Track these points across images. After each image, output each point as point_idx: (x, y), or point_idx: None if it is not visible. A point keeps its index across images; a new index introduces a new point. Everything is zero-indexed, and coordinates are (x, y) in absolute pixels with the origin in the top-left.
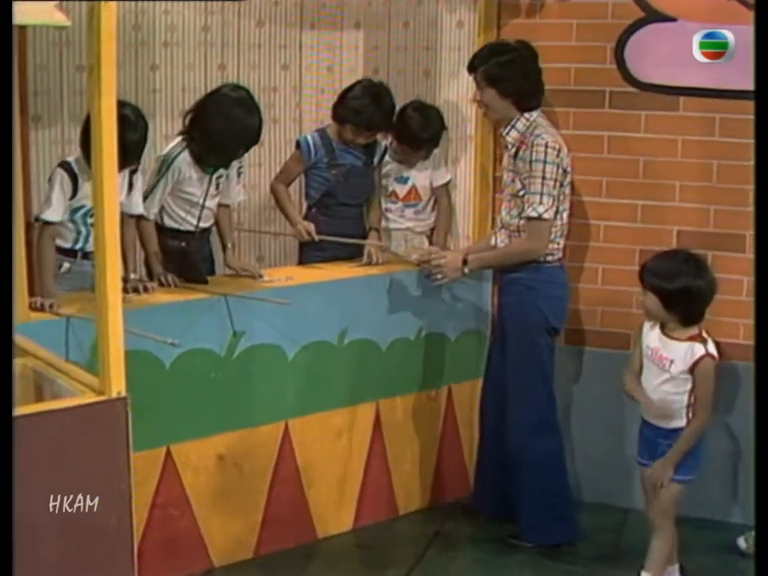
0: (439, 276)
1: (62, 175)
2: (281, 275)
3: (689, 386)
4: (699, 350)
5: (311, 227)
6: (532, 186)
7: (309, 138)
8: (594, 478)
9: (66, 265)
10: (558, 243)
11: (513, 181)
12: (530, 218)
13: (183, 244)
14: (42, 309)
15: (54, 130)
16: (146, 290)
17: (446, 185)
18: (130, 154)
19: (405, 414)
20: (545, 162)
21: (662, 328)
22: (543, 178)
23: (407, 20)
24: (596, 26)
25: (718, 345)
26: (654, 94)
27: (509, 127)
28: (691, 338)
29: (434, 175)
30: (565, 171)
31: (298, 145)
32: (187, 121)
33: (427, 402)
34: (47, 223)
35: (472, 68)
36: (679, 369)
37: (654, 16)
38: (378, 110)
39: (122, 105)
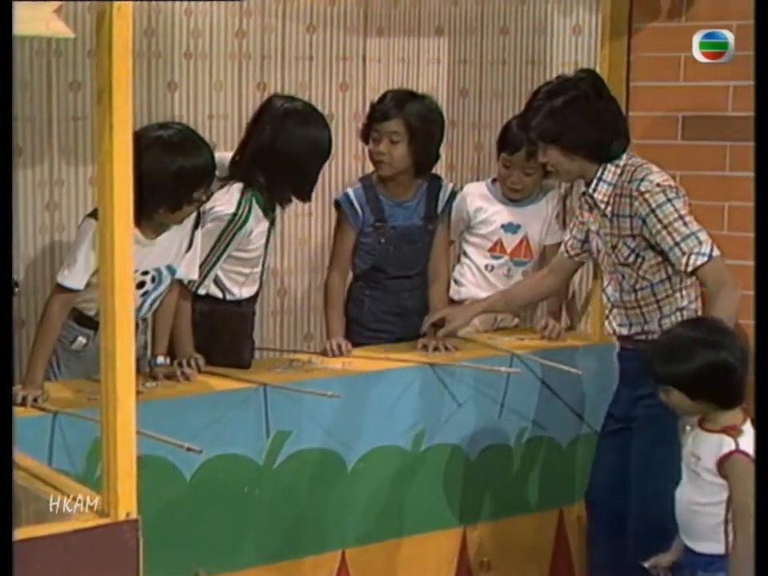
0: None
1: (95, 228)
2: (336, 360)
3: (724, 495)
4: (728, 444)
5: (341, 350)
6: (676, 234)
7: (351, 193)
8: None
9: (82, 340)
10: (696, 311)
11: (615, 247)
12: (699, 267)
13: (227, 312)
14: (23, 403)
15: (40, 168)
16: (185, 376)
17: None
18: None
19: (500, 544)
20: (669, 200)
21: (700, 422)
22: (681, 217)
23: (506, 24)
24: None
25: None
26: None
27: (595, 181)
28: (725, 429)
29: (548, 230)
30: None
31: (337, 205)
32: (244, 164)
33: (530, 530)
34: (63, 289)
35: (524, 124)
36: (705, 466)
37: None
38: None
39: (166, 126)
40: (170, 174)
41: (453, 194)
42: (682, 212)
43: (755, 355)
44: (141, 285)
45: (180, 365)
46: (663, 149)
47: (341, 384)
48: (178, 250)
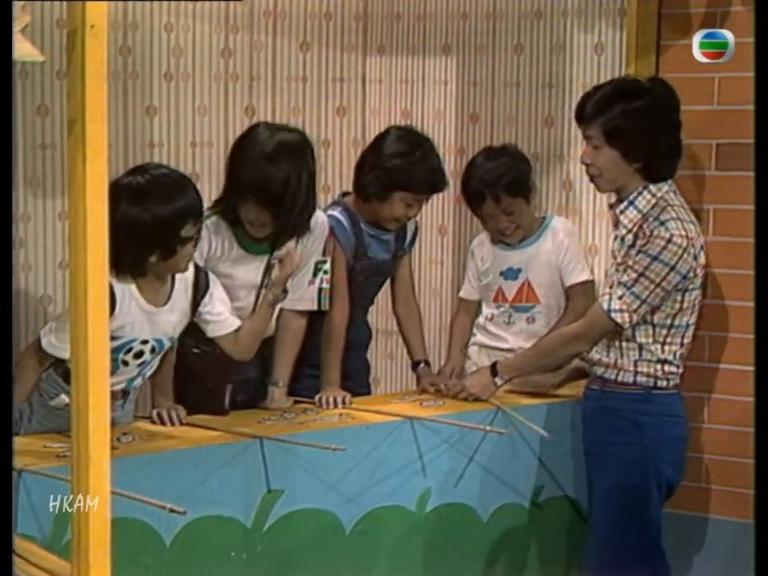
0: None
1: None
2: (332, 411)
3: None
4: None
5: (338, 404)
6: (624, 276)
7: (339, 216)
8: None
9: (64, 398)
10: (678, 366)
11: (616, 271)
12: (600, 306)
13: (197, 351)
14: None
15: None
16: (171, 421)
17: (585, 284)
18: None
19: None
20: (655, 258)
21: None
22: (641, 274)
23: (520, 42)
24: None
25: None
26: None
27: (626, 203)
28: None
29: (564, 271)
30: (685, 276)
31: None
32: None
33: None
34: (44, 353)
35: (582, 117)
36: None
37: None
38: (427, 163)
39: (142, 170)
40: (149, 224)
41: (415, 228)
42: (649, 273)
43: (755, 360)
44: (139, 354)
45: (159, 416)
46: (694, 180)
47: (338, 437)
48: (181, 318)
